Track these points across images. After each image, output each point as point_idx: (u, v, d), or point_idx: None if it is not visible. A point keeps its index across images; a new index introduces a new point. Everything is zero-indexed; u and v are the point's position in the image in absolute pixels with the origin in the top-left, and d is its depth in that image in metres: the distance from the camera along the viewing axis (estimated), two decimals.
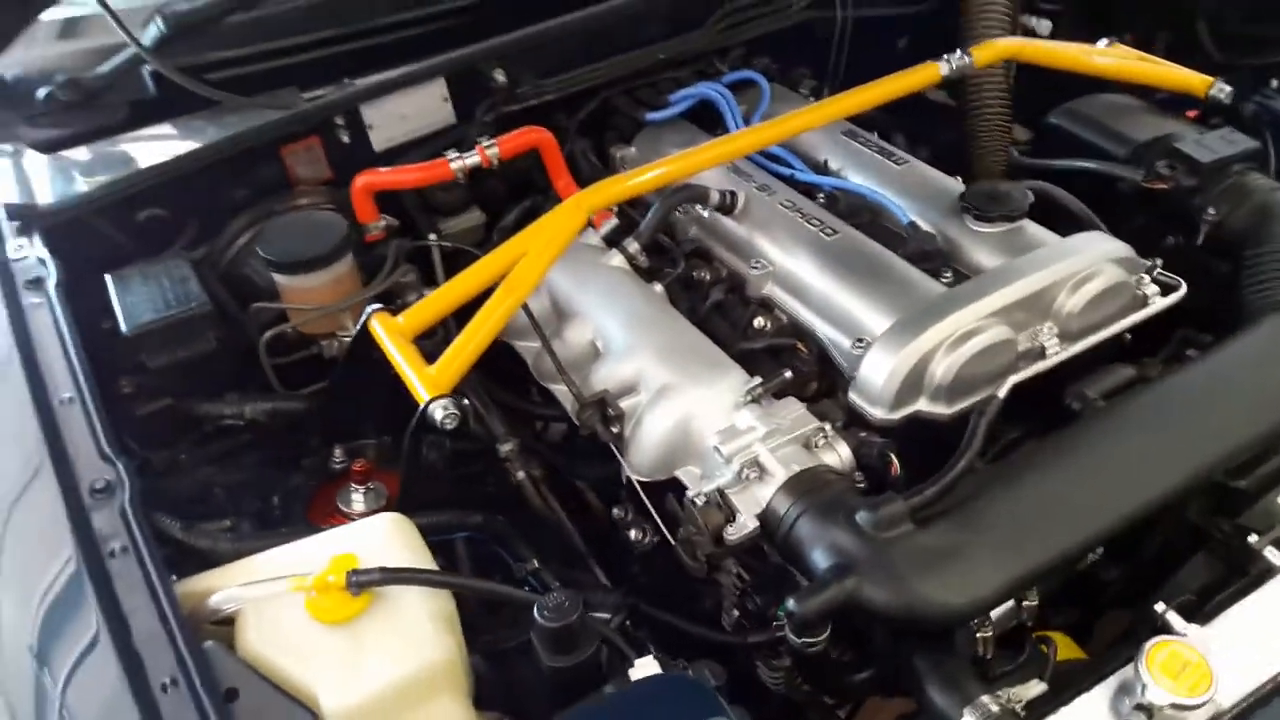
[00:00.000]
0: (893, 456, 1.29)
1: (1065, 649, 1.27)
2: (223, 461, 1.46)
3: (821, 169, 1.75)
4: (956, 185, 1.67)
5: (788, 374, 1.36)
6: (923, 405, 1.35)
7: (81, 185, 1.67)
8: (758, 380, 1.33)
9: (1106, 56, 1.78)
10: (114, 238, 1.63)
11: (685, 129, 1.87)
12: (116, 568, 1.08)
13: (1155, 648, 1.06)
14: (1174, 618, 1.10)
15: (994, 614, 1.20)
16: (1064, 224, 1.58)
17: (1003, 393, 1.30)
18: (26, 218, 1.54)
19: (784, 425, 1.30)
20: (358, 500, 1.41)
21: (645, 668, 1.06)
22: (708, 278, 1.61)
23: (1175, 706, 1.02)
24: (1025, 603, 1.23)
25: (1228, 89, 1.77)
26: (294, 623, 1.09)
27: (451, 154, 1.65)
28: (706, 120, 1.89)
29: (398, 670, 1.05)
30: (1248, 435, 1.26)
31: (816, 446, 1.30)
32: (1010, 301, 1.36)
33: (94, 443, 1.20)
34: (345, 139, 1.75)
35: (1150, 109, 1.83)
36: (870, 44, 2.20)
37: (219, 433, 1.48)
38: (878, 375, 1.33)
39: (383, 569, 1.10)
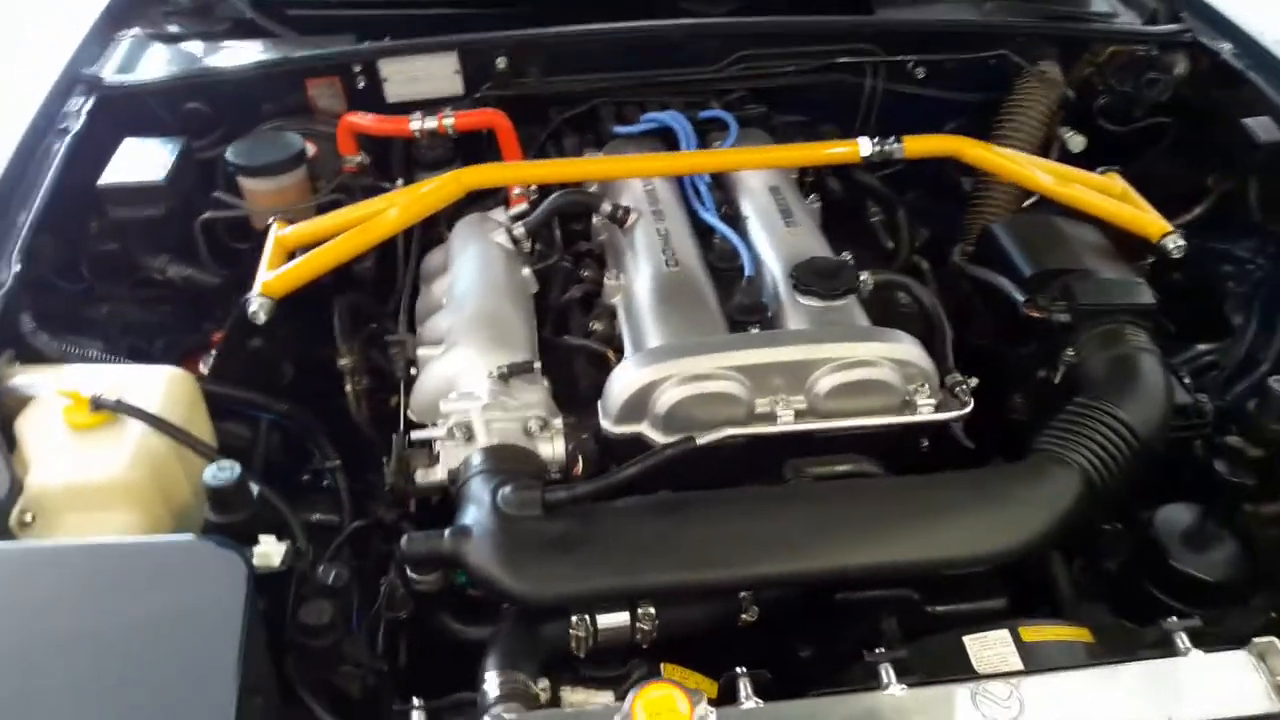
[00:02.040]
0: (579, 456, 1.41)
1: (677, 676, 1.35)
2: (140, 305, 1.80)
3: (733, 210, 1.85)
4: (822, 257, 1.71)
5: (536, 364, 1.50)
6: (644, 429, 1.45)
7: (158, 72, 2.08)
8: (512, 361, 1.49)
9: (1048, 175, 1.75)
10: (163, 118, 2.02)
11: (649, 147, 2.01)
12: None
13: (649, 688, 1.14)
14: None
15: (602, 621, 1.31)
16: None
17: (704, 439, 1.39)
18: (92, 84, 1.96)
19: (511, 405, 1.45)
20: (204, 365, 1.70)
21: None
22: (585, 275, 1.77)
23: None
24: (639, 624, 1.32)
25: (1181, 243, 1.70)
26: (51, 419, 1.40)
27: (415, 118, 1.90)
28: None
29: (87, 474, 1.33)
30: (883, 561, 1.29)
31: (532, 433, 1.44)
32: (755, 362, 1.43)
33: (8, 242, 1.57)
34: (360, 85, 2.05)
35: (1092, 242, 1.76)
36: (914, 119, 2.22)
37: (146, 283, 1.82)
38: (613, 390, 1.45)
39: (118, 401, 1.39)
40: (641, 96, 2.09)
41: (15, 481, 1.32)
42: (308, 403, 1.73)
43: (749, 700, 1.18)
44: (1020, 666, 1.26)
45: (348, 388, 1.70)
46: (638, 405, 1.44)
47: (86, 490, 1.33)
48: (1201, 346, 1.86)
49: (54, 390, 1.40)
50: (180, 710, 1.04)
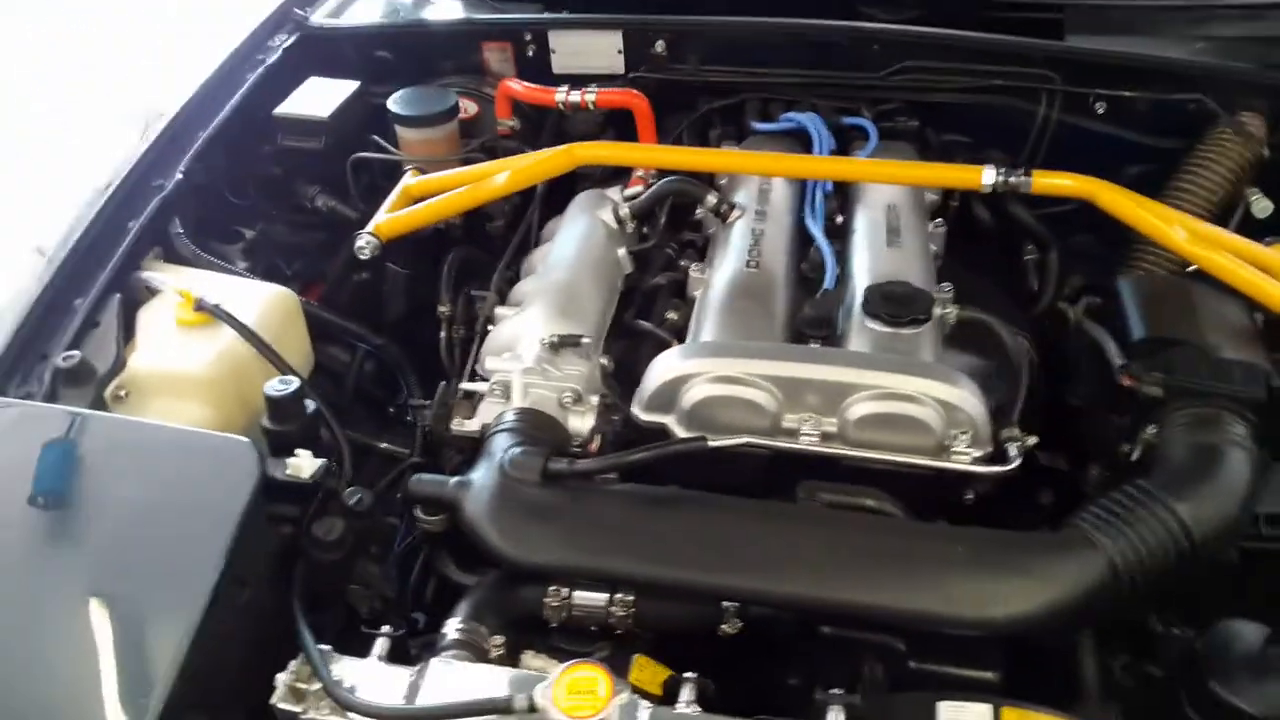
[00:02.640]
0: (598, 435, 1.45)
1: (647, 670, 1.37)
2: (290, 228, 1.99)
3: (846, 223, 1.81)
4: (908, 281, 1.63)
5: (586, 339, 1.54)
6: (670, 421, 1.46)
7: (360, 19, 2.27)
8: (563, 333, 1.54)
9: (1184, 233, 1.59)
10: (354, 62, 2.21)
11: (785, 146, 1.99)
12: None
13: (578, 667, 1.17)
14: None
15: (578, 597, 1.35)
16: None
17: (717, 442, 1.38)
18: (298, 23, 2.17)
19: (553, 374, 1.51)
20: None
21: None
22: (683, 264, 1.79)
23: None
24: (614, 609, 1.34)
25: None
26: (165, 313, 1.59)
27: (561, 90, 1.98)
28: None
29: (175, 365, 1.51)
30: (858, 601, 1.25)
31: (565, 404, 1.49)
32: (789, 375, 1.41)
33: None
34: (530, 53, 2.15)
35: (1231, 318, 1.58)
36: (1093, 158, 2.06)
37: (298, 209, 2.01)
38: (648, 378, 1.48)
39: (216, 306, 1.56)
40: (793, 96, 2.07)
41: (120, 360, 1.52)
42: (415, 345, 1.86)
43: (686, 705, 1.19)
44: None
45: (442, 334, 1.81)
46: (668, 397, 1.46)
47: (171, 379, 1.50)
48: None
49: (164, 286, 1.60)
50: (159, 581, 1.19)
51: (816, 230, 1.74)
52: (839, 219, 1.82)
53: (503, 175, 1.72)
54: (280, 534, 1.38)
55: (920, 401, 1.39)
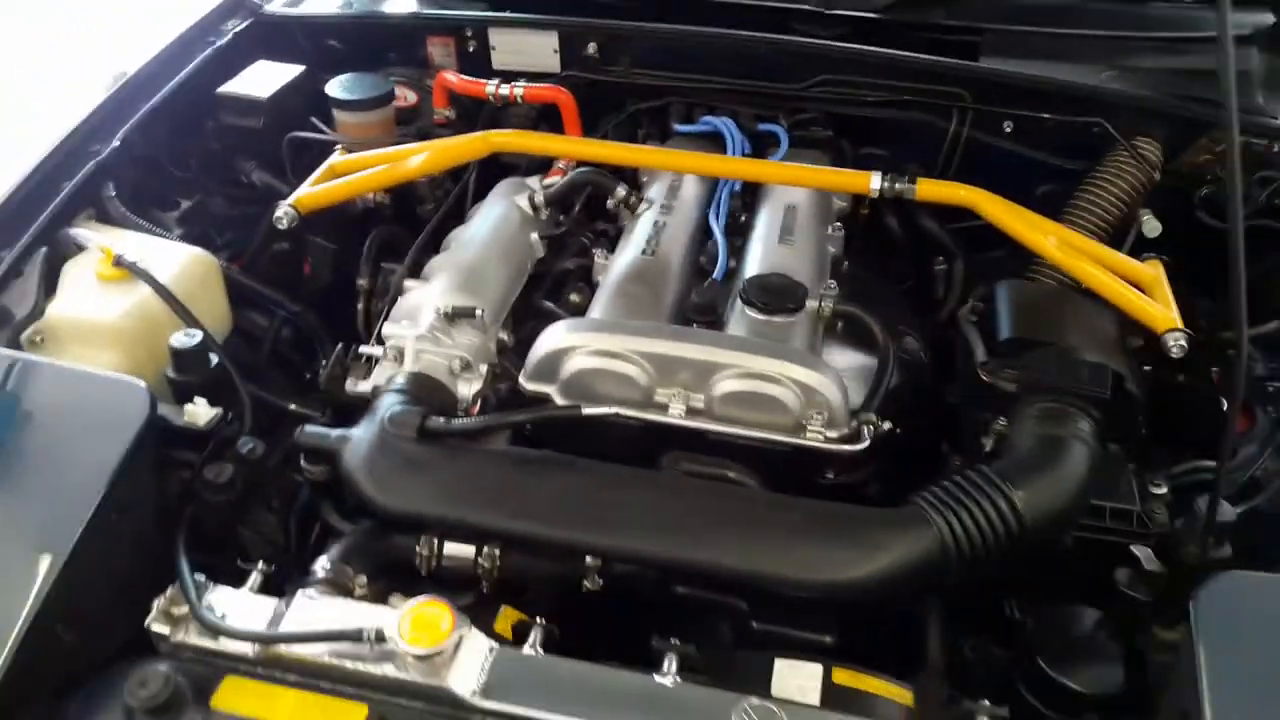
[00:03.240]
0: (479, 401, 1.54)
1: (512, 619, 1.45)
2: (226, 201, 2.08)
3: (749, 221, 1.91)
4: (795, 277, 1.71)
5: (478, 310, 1.62)
6: (552, 391, 1.54)
7: (312, 9, 2.37)
8: (457, 304, 1.62)
9: (1055, 242, 1.68)
10: (305, 49, 2.30)
11: (702, 147, 2.08)
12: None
13: (425, 604, 1.25)
14: None
15: (448, 549, 1.42)
16: None
17: (589, 411, 1.47)
18: (252, 9, 2.27)
19: (445, 343, 1.60)
20: None
21: None
22: (594, 251, 1.88)
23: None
24: (481, 560, 1.42)
25: (1183, 343, 1.58)
26: (88, 267, 1.68)
27: (491, 83, 2.08)
28: None
29: (89, 314, 1.60)
30: (701, 560, 1.33)
31: (454, 371, 1.58)
32: (660, 352, 1.49)
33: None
34: (471, 49, 2.25)
35: (1098, 326, 1.67)
36: (1004, 176, 2.15)
37: (234, 183, 2.10)
38: (534, 349, 1.56)
39: (133, 263, 1.64)
40: (716, 102, 2.17)
41: (39, 308, 1.61)
42: (337, 318, 1.95)
43: (530, 648, 1.27)
44: (817, 704, 1.27)
45: (359, 306, 1.89)
46: (550, 367, 1.54)
47: (85, 327, 1.59)
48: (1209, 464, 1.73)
49: (91, 242, 1.68)
50: (42, 503, 1.27)
51: (716, 225, 1.83)
52: (744, 218, 1.91)
53: (420, 157, 1.81)
54: (180, 479, 1.47)
55: (780, 382, 1.47)
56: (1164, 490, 1.55)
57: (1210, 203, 2.02)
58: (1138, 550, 1.42)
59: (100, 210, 1.82)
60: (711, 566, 1.34)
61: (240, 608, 1.29)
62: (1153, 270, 1.73)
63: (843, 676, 1.34)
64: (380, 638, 1.21)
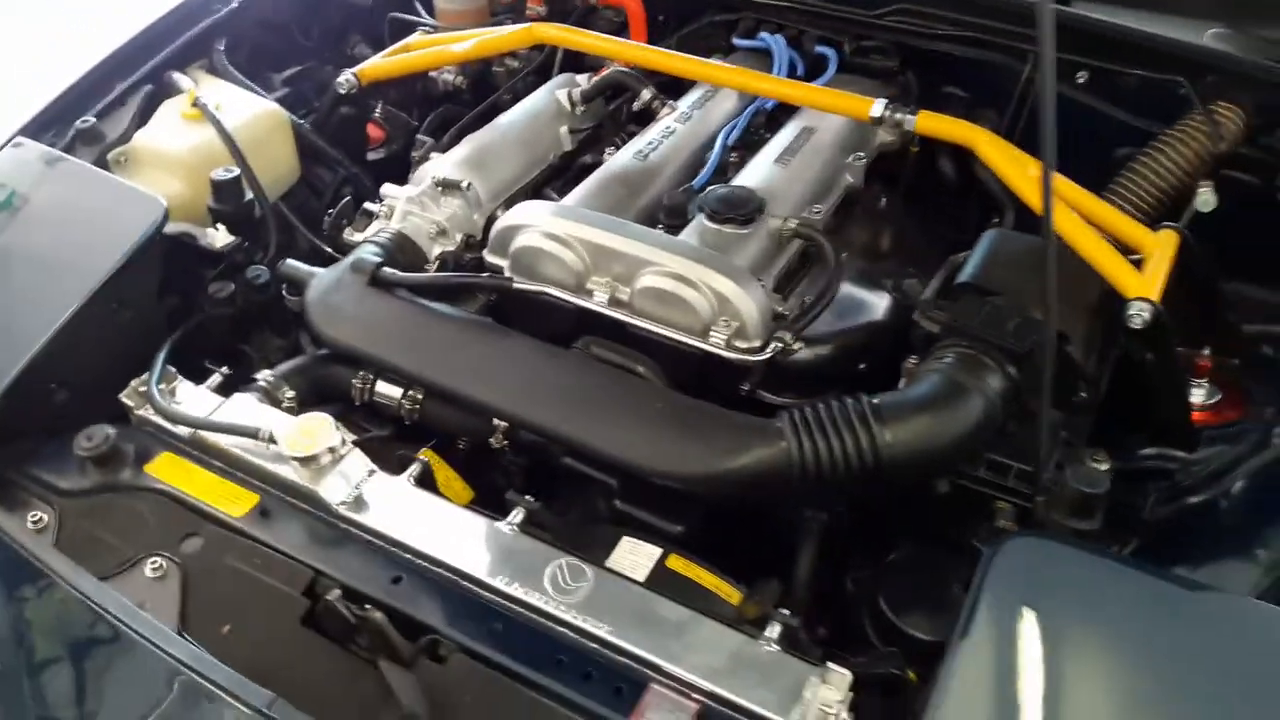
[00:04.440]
0: (439, 263, 1.71)
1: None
2: (333, 68, 2.32)
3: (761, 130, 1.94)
4: (775, 196, 1.74)
5: (466, 184, 1.77)
6: (504, 265, 1.68)
7: None
8: (447, 177, 1.78)
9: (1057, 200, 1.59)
10: None
11: (755, 62, 2.10)
12: None
13: (315, 415, 1.44)
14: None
15: (379, 386, 1.61)
16: None
17: (520, 285, 1.60)
18: None
19: (431, 209, 1.77)
20: None
21: None
22: (615, 143, 1.98)
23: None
24: (404, 402, 1.59)
25: (1146, 316, 1.48)
26: (177, 108, 1.96)
27: None
28: None
29: (161, 145, 1.88)
30: (571, 436, 1.44)
31: (431, 235, 1.75)
32: (596, 241, 1.58)
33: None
34: None
35: (1071, 289, 1.57)
36: (1083, 134, 2.02)
37: (342, 55, 2.34)
38: (496, 224, 1.69)
39: (205, 106, 1.91)
40: (789, 20, 2.17)
41: (128, 134, 1.91)
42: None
43: (407, 479, 1.43)
44: (641, 580, 1.37)
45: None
46: (502, 242, 1.67)
47: (159, 155, 1.88)
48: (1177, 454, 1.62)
49: (190, 89, 1.97)
50: (54, 278, 1.56)
51: (720, 137, 1.88)
52: (760, 134, 1.94)
53: (468, 43, 1.97)
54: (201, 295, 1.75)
55: (695, 286, 1.52)
56: (1105, 466, 1.49)
57: None
58: (999, 507, 1.40)
59: (210, 62, 2.11)
60: (578, 442, 1.44)
61: (192, 398, 1.55)
62: (1160, 239, 1.61)
63: (676, 564, 1.42)
64: (272, 439, 1.42)
